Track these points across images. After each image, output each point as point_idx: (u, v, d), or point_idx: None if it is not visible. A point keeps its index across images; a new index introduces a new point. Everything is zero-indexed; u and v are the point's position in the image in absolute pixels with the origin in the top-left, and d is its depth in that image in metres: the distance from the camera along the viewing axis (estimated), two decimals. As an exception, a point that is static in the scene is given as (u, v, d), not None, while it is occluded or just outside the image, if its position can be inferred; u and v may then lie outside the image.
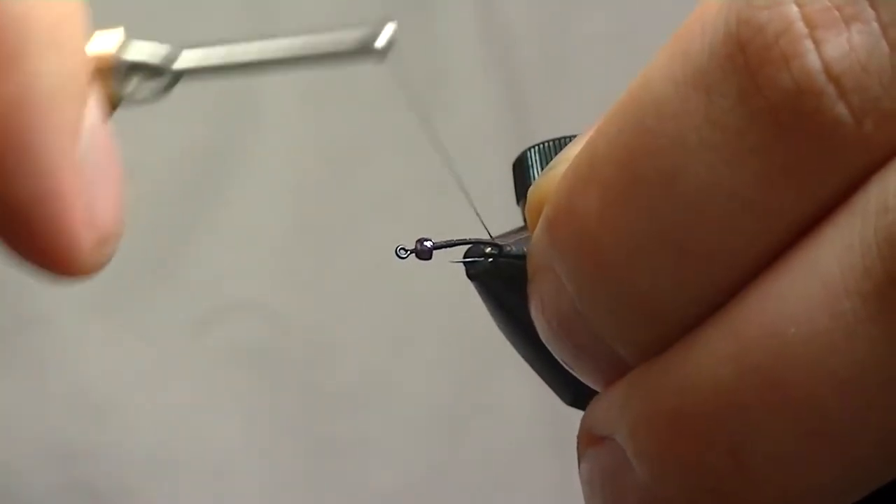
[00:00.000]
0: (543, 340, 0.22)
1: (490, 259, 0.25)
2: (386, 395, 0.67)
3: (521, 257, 0.24)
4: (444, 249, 0.25)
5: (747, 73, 0.18)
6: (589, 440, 0.22)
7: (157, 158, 0.67)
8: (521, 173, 0.26)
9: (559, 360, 0.22)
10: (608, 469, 0.21)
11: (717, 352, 0.19)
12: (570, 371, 0.22)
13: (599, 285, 0.20)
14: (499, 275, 0.24)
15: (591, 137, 0.20)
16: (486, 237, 0.25)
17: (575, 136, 0.27)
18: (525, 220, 0.27)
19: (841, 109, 0.17)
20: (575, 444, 0.22)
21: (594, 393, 0.25)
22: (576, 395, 0.25)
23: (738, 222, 0.18)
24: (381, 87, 0.70)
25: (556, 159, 0.23)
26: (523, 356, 0.25)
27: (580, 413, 0.23)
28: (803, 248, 0.18)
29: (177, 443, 0.64)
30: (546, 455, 0.65)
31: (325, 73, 0.70)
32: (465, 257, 0.25)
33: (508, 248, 0.24)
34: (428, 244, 0.25)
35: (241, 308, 0.66)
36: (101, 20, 0.21)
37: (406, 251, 0.25)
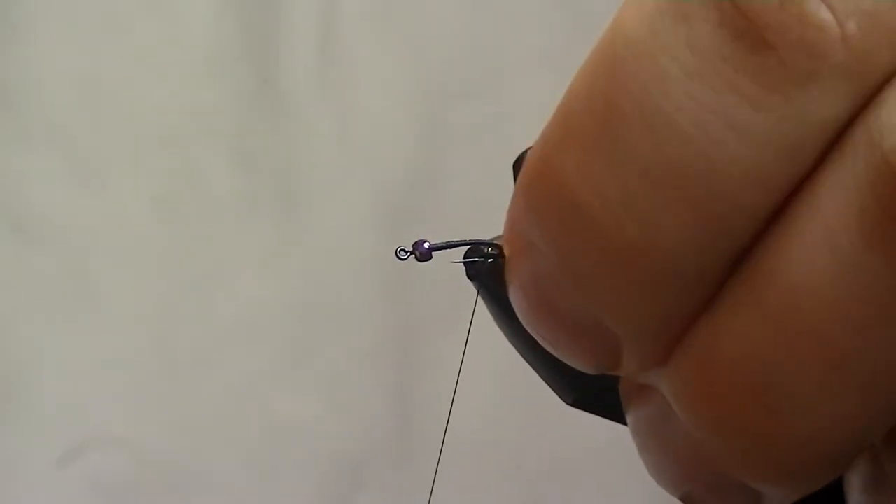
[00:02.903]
0: (527, 328, 0.21)
1: (490, 259, 0.24)
2: None
3: None
4: (443, 251, 0.25)
5: None
6: (631, 390, 0.22)
7: (6, 286, 0.66)
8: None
9: (548, 349, 0.21)
10: (656, 418, 0.21)
11: (740, 313, 0.18)
12: (559, 358, 0.21)
13: (587, 246, 0.19)
14: (499, 275, 0.24)
15: (564, 99, 0.19)
16: (485, 238, 0.25)
17: None
18: None
19: (824, 14, 0.17)
20: None
21: (595, 394, 0.25)
22: (577, 395, 0.25)
23: (733, 152, 0.18)
24: (239, 201, 0.69)
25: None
26: (524, 356, 0.25)
27: None
28: (805, 190, 0.18)
29: None
30: None
31: (178, 187, 0.69)
32: (464, 258, 0.25)
33: (509, 249, 0.24)
34: (426, 245, 0.25)
35: (101, 442, 0.64)
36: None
37: (406, 252, 0.25)
